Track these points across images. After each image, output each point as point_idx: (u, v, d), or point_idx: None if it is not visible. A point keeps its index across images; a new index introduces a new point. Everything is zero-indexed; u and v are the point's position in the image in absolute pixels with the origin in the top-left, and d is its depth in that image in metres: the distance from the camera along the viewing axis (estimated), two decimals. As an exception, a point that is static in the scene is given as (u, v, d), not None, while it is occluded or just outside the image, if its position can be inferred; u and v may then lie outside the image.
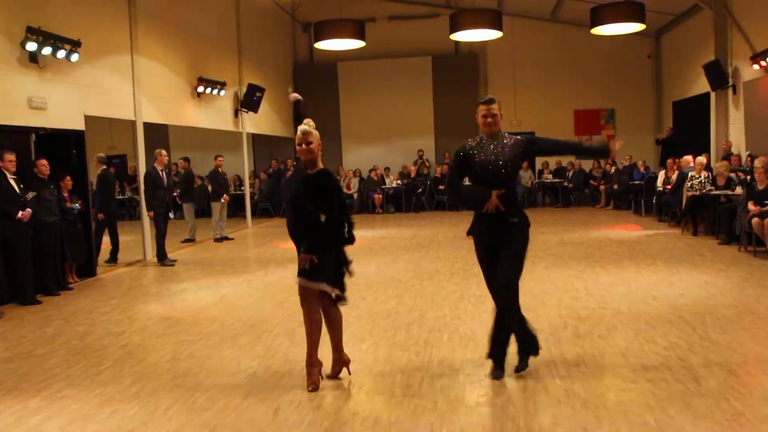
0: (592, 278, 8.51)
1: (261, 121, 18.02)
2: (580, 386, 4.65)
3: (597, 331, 6.07)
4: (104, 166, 11.54)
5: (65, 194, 9.47)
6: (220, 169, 14.35)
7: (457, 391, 4.68)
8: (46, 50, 9.11)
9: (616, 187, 17.89)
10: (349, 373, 5.09)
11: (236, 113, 16.53)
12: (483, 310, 6.93)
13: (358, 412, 4.38)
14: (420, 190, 19.53)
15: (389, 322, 6.71)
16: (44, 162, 8.88)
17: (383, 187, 19.77)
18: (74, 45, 9.60)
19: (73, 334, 6.79)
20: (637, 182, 16.78)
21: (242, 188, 18.09)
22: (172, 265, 11.09)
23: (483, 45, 20.07)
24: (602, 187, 18.58)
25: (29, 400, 4.87)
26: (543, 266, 9.48)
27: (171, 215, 11.68)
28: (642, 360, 5.18)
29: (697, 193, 11.96)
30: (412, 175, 19.88)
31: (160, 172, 11.30)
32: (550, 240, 12.23)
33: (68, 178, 9.53)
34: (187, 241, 14.09)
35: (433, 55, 20.65)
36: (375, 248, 11.93)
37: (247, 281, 9.42)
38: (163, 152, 11.46)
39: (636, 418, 4.04)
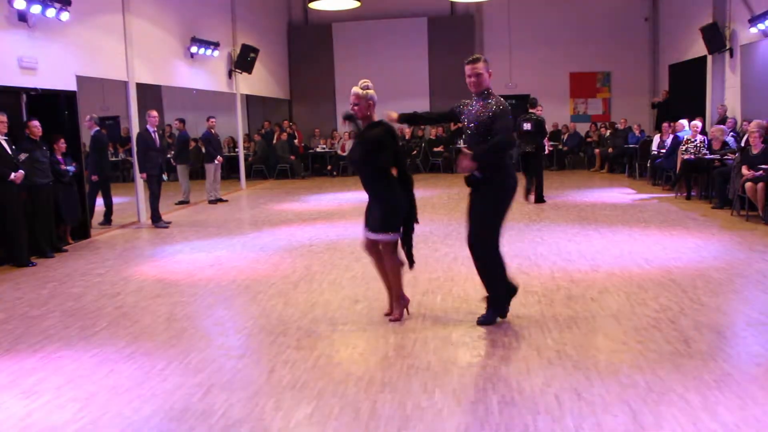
0: (586, 241, 8.56)
1: (255, 82, 17.85)
2: (572, 348, 4.70)
3: (589, 293, 6.12)
4: (97, 128, 11.44)
5: (59, 156, 9.41)
6: (213, 131, 14.25)
7: (449, 352, 4.74)
8: (35, 8, 8.95)
9: (610, 150, 17.87)
10: (408, 313, 5.56)
11: (230, 74, 16.36)
12: (476, 273, 6.95)
13: (352, 373, 4.42)
14: (415, 152, 19.45)
15: (383, 284, 6.72)
16: (36, 123, 8.79)
17: (378, 149, 19.69)
18: (64, 3, 9.43)
19: (68, 296, 6.81)
20: (631, 146, 16.75)
21: (236, 150, 18.00)
22: (167, 227, 11.08)
23: (479, 6, 19.84)
24: (597, 151, 18.55)
25: (25, 361, 4.91)
26: (537, 228, 9.51)
27: (164, 177, 11.63)
28: (633, 322, 5.24)
29: (692, 156, 11.96)
30: (407, 137, 19.79)
31: (153, 134, 11.21)
32: (544, 203, 12.25)
33: (62, 140, 9.45)
34: (181, 203, 14.06)
35: (428, 16, 20.39)
36: (369, 211, 11.87)
37: (242, 243, 9.44)
38: (153, 112, 11.33)
39: (626, 379, 4.10)
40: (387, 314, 5.59)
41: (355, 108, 5.31)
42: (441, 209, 11.81)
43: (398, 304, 5.51)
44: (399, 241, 5.41)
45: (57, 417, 3.92)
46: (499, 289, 5.32)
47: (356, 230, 9.95)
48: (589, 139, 19.25)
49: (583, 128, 19.75)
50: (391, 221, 5.31)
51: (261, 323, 5.57)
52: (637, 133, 17.19)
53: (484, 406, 3.83)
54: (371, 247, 5.51)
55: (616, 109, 20.15)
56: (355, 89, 5.30)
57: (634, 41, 19.80)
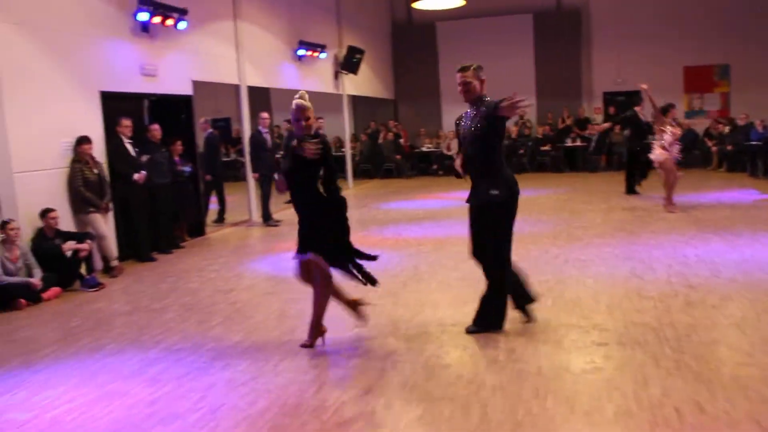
0: (703, 244, 8.13)
1: (360, 83, 18.08)
2: (692, 358, 4.48)
3: (710, 300, 5.81)
4: (210, 129, 11.91)
5: (176, 158, 9.87)
6: (320, 131, 14.50)
7: (561, 358, 4.63)
8: (156, 19, 9.43)
9: (729, 147, 16.90)
10: (323, 343, 5.14)
11: (336, 75, 16.66)
12: (587, 275, 6.78)
13: (462, 375, 4.40)
14: (521, 151, 19.11)
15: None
16: (157, 127, 9.28)
17: (482, 148, 19.50)
18: (181, 13, 9.89)
19: (185, 291, 7.14)
20: (754, 143, 15.79)
21: (343, 150, 18.30)
22: (277, 226, 11.40)
23: (586, 0, 19.27)
24: (714, 148, 17.59)
25: (149, 351, 5.20)
26: (650, 231, 9.13)
27: (276, 177, 11.94)
28: (761, 332, 4.93)
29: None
30: (513, 136, 19.46)
31: (264, 135, 11.57)
32: (657, 204, 11.74)
33: (179, 142, 9.92)
34: (290, 202, 14.39)
35: (534, 13, 19.98)
36: (474, 211, 11.78)
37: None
38: (265, 114, 11.70)
39: (755, 395, 3.85)
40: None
41: (307, 122, 5.14)
42: (549, 209, 11.53)
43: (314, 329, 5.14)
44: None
45: (179, 405, 4.12)
46: (496, 305, 5.21)
47: (462, 230, 9.91)
48: (707, 140, 18.10)
49: (699, 124, 18.74)
50: (308, 241, 5.11)
51: (371, 322, 5.61)
52: (760, 129, 16.18)
53: (599, 415, 3.72)
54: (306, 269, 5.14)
55: (735, 103, 19.05)
56: (303, 102, 5.12)
57: (755, 31, 18.61)
